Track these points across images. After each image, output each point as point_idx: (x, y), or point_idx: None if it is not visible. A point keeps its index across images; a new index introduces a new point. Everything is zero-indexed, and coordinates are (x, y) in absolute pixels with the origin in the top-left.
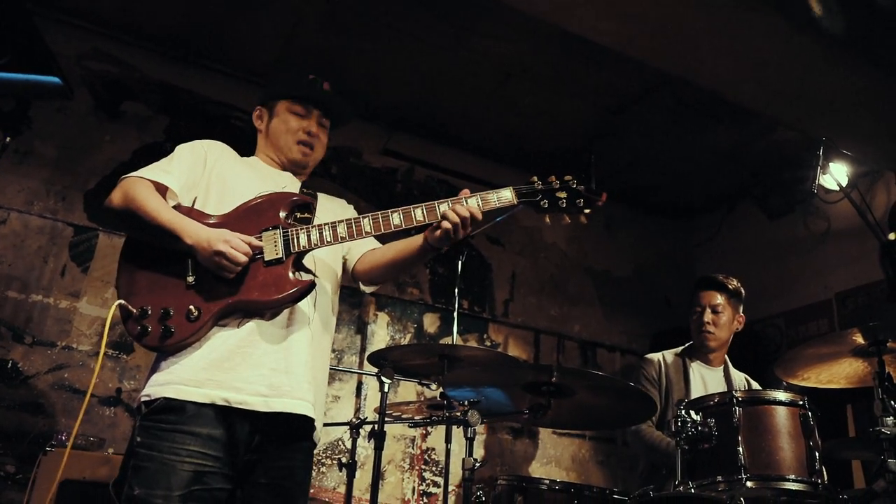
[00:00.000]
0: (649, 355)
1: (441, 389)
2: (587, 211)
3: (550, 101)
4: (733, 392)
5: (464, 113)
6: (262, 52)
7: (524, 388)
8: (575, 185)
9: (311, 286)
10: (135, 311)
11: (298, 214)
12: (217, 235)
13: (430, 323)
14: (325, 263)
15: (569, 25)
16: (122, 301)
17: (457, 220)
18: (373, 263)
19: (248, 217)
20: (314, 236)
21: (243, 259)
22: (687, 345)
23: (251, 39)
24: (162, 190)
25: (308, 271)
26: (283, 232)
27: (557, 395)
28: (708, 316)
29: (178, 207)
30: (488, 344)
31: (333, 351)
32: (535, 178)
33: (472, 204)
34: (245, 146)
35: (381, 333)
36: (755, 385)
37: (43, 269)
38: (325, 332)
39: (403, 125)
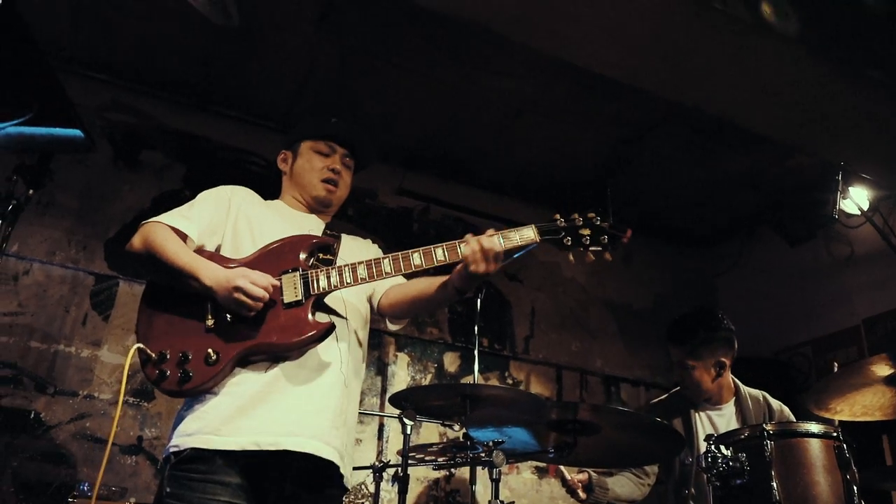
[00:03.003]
0: (654, 400)
1: (464, 430)
2: (611, 248)
3: (563, 135)
4: (763, 425)
5: (477, 150)
6: (276, 96)
7: (549, 426)
8: (598, 222)
9: (329, 329)
10: (153, 354)
11: (321, 255)
12: (236, 273)
13: (451, 362)
14: (353, 305)
15: (577, 59)
16: (141, 345)
17: (477, 249)
18: (397, 298)
19: (269, 260)
20: (334, 278)
21: (262, 294)
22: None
23: (265, 84)
24: (181, 236)
25: (334, 313)
26: (303, 274)
27: (583, 432)
28: (677, 374)
29: (200, 252)
30: (510, 382)
31: None
32: (559, 216)
33: (494, 241)
34: (260, 191)
35: (402, 374)
36: (789, 415)
37: (65, 319)
38: (355, 377)
39: (418, 164)
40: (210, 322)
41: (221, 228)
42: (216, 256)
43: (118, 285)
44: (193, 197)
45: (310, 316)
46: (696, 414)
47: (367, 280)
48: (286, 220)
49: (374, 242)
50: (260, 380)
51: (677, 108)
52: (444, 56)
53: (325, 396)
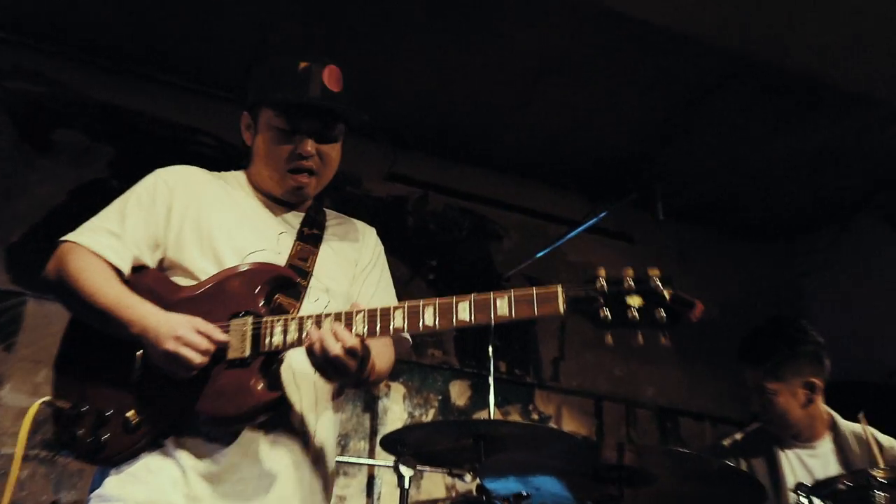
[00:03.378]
0: (726, 441)
1: (478, 481)
2: (671, 326)
3: (597, 101)
4: (871, 470)
5: (488, 122)
6: (230, 56)
7: (587, 474)
8: (658, 288)
9: (277, 402)
10: (66, 408)
11: (287, 290)
12: (169, 329)
13: (459, 393)
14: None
15: (616, 3)
16: (49, 398)
17: (318, 349)
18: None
19: (219, 296)
20: (292, 333)
21: (198, 360)
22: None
23: (217, 41)
24: (110, 265)
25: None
26: (255, 322)
27: (632, 482)
28: (755, 403)
29: (142, 271)
30: (536, 417)
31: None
32: (602, 274)
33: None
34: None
35: (397, 410)
36: None
37: None
38: (326, 431)
39: (412, 142)
40: (136, 377)
41: (164, 239)
42: (160, 281)
43: (25, 304)
44: (122, 189)
45: (256, 381)
46: (783, 454)
47: None
48: (248, 219)
49: (370, 227)
50: (195, 458)
51: (746, 62)
52: (446, 4)
53: (281, 469)
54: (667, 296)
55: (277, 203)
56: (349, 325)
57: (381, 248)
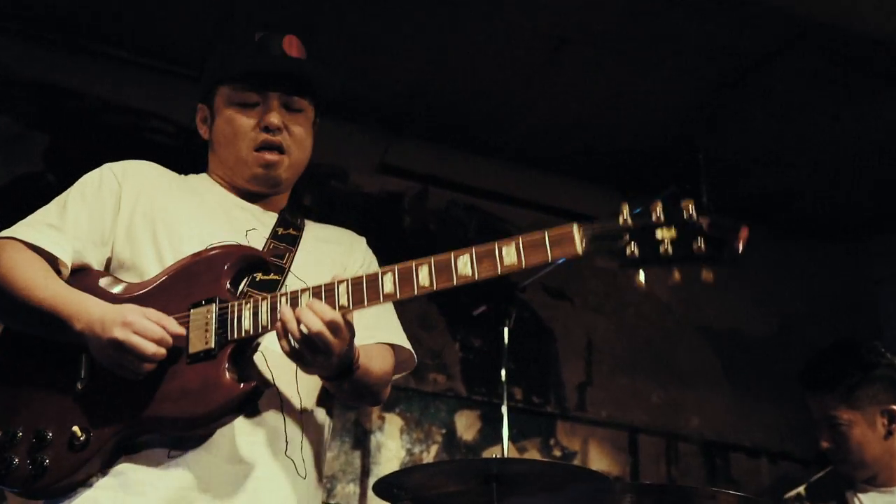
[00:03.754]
0: (789, 495)
1: None
2: (714, 259)
3: (627, 77)
4: None
5: (498, 103)
6: (189, 27)
7: None
8: (693, 217)
9: (252, 394)
10: None
11: (258, 276)
12: (116, 315)
13: (467, 425)
14: None
15: None
16: None
17: (294, 329)
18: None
19: (177, 287)
20: (263, 315)
21: (151, 350)
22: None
23: (174, 8)
24: (48, 258)
25: (265, 366)
26: (221, 308)
27: None
28: (824, 436)
29: (78, 275)
30: (558, 454)
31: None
32: (626, 208)
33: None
34: (170, 168)
35: (393, 446)
36: None
37: None
38: (313, 459)
39: (407, 128)
40: (81, 385)
41: (111, 235)
42: (102, 282)
43: None
44: (60, 185)
45: (225, 374)
46: (856, 499)
47: None
48: (211, 212)
49: (359, 236)
50: (158, 477)
51: (808, 26)
52: None
53: (262, 500)
54: (704, 224)
55: (246, 198)
56: (331, 298)
57: (373, 258)
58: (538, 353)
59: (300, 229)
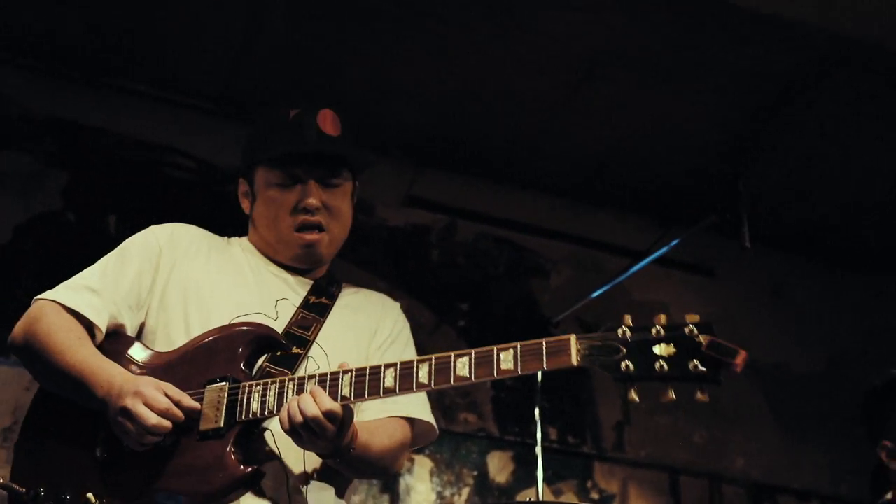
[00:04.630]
0: None
1: None
2: (710, 380)
3: (662, 102)
4: None
5: (528, 131)
6: (209, 59)
7: None
8: (695, 335)
9: (251, 478)
10: (22, 492)
11: (279, 353)
12: (132, 386)
13: (500, 467)
14: None
15: None
16: (5, 481)
17: (295, 412)
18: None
19: (198, 360)
20: (271, 399)
21: (153, 421)
22: None
23: (194, 41)
24: (84, 323)
25: (269, 450)
26: (233, 388)
27: None
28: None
29: (116, 338)
30: (595, 497)
31: None
32: (627, 321)
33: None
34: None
35: (422, 489)
36: None
37: None
38: None
39: (434, 159)
40: (100, 452)
41: (147, 300)
42: (132, 348)
43: None
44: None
45: (230, 455)
46: None
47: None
48: (244, 281)
49: (395, 301)
50: None
51: (856, 46)
52: None
53: None
54: (703, 342)
55: (284, 268)
56: (334, 387)
57: (404, 323)
58: (573, 390)
59: (333, 297)
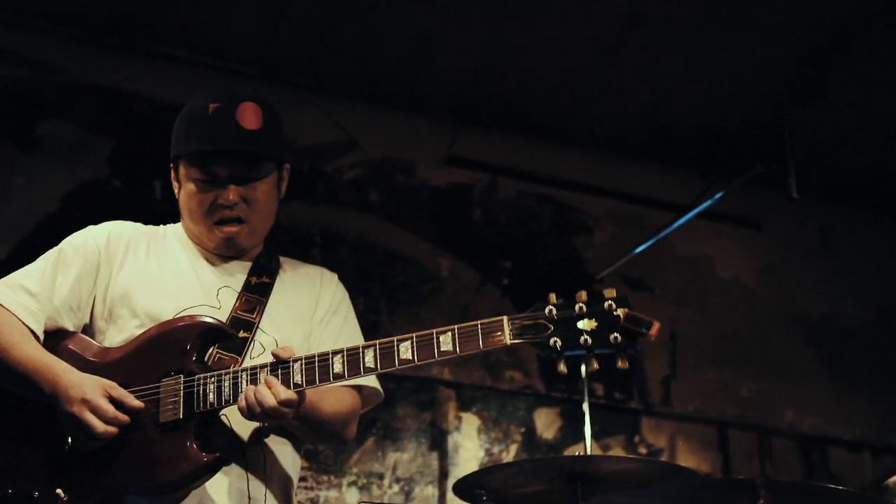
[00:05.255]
0: (892, 479)
1: None
2: (628, 350)
3: (707, 53)
4: None
5: (569, 88)
6: (248, 23)
7: None
8: (610, 309)
9: (215, 465)
10: None
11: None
12: (78, 391)
13: (547, 423)
14: None
15: None
16: None
17: (254, 403)
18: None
19: (148, 355)
20: (226, 390)
21: (101, 429)
22: None
23: (231, 4)
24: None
25: (230, 434)
26: (188, 380)
27: None
28: None
29: (62, 334)
30: (644, 451)
31: (398, 481)
32: (554, 300)
33: (272, 390)
34: None
35: (470, 446)
36: None
37: None
38: (281, 484)
39: (475, 117)
40: (68, 445)
41: (88, 301)
42: (80, 345)
43: None
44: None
45: (192, 445)
46: None
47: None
48: (183, 274)
49: (331, 272)
50: None
51: None
52: None
53: None
54: (621, 315)
55: (219, 255)
56: (286, 375)
57: (343, 294)
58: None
59: (274, 275)
